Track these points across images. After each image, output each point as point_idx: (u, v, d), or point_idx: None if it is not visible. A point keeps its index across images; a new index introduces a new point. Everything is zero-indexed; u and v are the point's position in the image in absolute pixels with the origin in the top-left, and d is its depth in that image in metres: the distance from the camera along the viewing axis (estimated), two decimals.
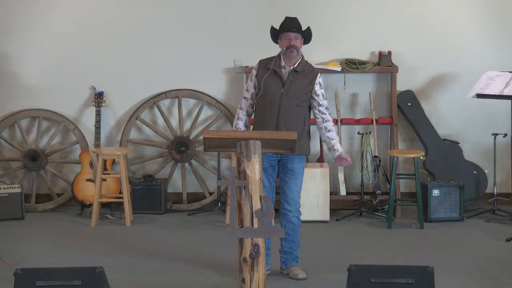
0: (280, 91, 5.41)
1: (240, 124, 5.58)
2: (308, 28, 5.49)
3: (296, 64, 5.45)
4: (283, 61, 5.46)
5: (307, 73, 5.48)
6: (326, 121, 5.51)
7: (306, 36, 5.49)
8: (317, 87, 5.48)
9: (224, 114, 7.80)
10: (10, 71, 7.84)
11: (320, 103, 5.49)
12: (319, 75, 5.52)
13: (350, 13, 7.76)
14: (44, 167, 7.80)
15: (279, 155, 5.45)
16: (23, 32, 7.78)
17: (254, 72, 5.56)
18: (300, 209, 5.61)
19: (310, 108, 5.55)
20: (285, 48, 5.42)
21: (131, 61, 7.81)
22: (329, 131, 5.52)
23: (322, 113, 5.50)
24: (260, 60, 5.57)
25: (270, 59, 5.51)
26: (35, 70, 7.83)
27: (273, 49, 5.60)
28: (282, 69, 5.45)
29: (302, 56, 5.51)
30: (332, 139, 5.51)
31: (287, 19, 5.49)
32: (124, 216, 7.20)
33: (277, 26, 5.51)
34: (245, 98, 5.60)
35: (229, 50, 7.74)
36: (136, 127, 7.90)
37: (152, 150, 7.93)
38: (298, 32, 5.42)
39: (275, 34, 5.50)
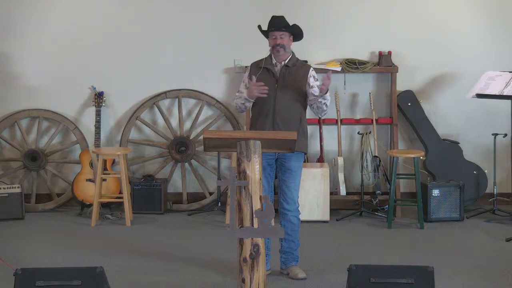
0: (274, 87, 5.45)
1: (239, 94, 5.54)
2: (294, 25, 5.53)
3: (287, 60, 5.52)
4: (273, 59, 5.54)
5: (299, 67, 5.55)
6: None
7: (295, 33, 5.54)
8: (311, 80, 5.52)
9: (224, 114, 7.80)
10: (10, 71, 7.84)
11: (316, 94, 5.49)
12: (311, 68, 5.57)
13: (350, 13, 7.76)
14: (44, 167, 7.81)
15: (276, 154, 5.46)
16: (23, 32, 7.78)
17: (246, 73, 5.64)
18: (300, 209, 5.61)
19: (306, 106, 5.56)
20: (272, 47, 5.50)
21: (131, 61, 7.81)
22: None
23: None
24: (252, 63, 5.66)
25: (261, 59, 5.60)
26: (35, 70, 7.83)
27: None
28: (274, 67, 5.52)
29: (293, 53, 5.57)
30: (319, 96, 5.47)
31: (273, 18, 5.55)
32: (124, 216, 7.20)
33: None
34: (238, 93, 5.62)
35: (229, 50, 7.75)
36: (136, 127, 7.90)
37: (152, 150, 7.93)
38: (284, 30, 5.47)
39: (266, 33, 5.57)
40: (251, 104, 5.55)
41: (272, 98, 5.45)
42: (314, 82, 5.53)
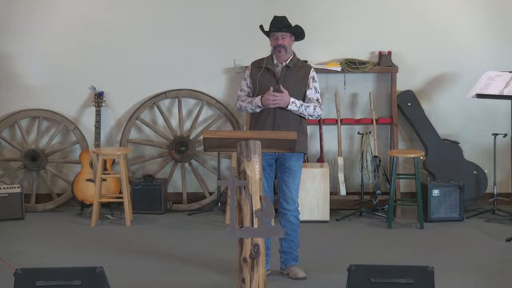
0: (274, 87, 5.44)
1: (249, 98, 5.54)
2: (296, 26, 5.54)
3: (288, 61, 5.52)
4: (275, 59, 5.54)
5: (300, 68, 5.55)
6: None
7: (297, 33, 5.55)
8: (310, 80, 5.53)
9: (224, 114, 7.80)
10: (10, 71, 7.84)
11: (309, 96, 5.51)
12: (312, 69, 5.58)
13: (350, 13, 7.76)
14: (44, 167, 7.80)
15: (276, 154, 5.46)
16: (23, 32, 7.78)
17: (247, 72, 5.65)
18: (300, 209, 5.62)
19: None
20: (273, 48, 5.51)
21: (131, 61, 7.81)
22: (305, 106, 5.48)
23: (309, 100, 5.52)
24: (252, 62, 5.67)
25: (263, 59, 5.60)
26: (35, 70, 7.83)
27: None
28: (275, 67, 5.52)
29: (294, 53, 5.57)
30: (302, 103, 5.45)
31: (275, 18, 5.56)
32: (124, 216, 7.20)
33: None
34: (241, 92, 5.63)
35: (229, 50, 7.75)
36: (136, 127, 7.90)
37: (152, 150, 7.93)
38: (285, 31, 5.47)
39: (268, 33, 5.58)
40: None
41: None
42: (312, 83, 5.54)
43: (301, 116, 5.50)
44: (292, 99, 5.40)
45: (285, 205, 5.51)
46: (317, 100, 5.52)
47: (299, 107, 5.43)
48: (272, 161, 5.49)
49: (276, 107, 5.41)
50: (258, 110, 5.49)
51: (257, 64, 5.60)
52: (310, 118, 5.53)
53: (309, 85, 5.53)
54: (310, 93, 5.52)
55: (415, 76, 7.77)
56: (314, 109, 5.48)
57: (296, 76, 5.50)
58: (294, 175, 5.50)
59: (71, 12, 7.80)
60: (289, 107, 5.40)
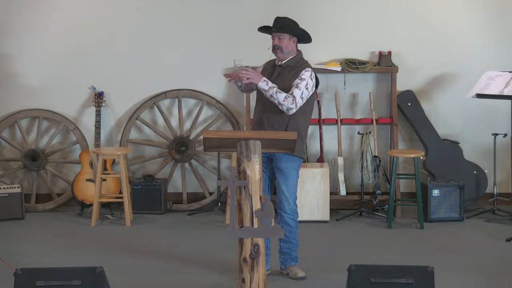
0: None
1: None
2: (293, 27, 5.48)
3: (284, 61, 5.49)
4: (277, 59, 5.55)
5: (293, 68, 5.47)
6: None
7: (297, 35, 5.49)
8: (297, 78, 5.39)
9: (224, 114, 7.80)
10: (10, 71, 7.84)
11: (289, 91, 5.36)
12: (306, 69, 5.43)
13: (350, 13, 7.76)
14: (44, 167, 7.80)
15: (269, 154, 5.42)
16: (23, 32, 7.79)
17: (259, 70, 5.67)
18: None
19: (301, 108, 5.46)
20: (272, 48, 5.52)
21: (131, 61, 7.81)
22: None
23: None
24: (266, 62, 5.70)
25: (273, 59, 5.62)
26: (35, 70, 7.83)
27: None
28: (274, 67, 5.54)
29: (299, 52, 5.54)
30: (275, 86, 5.34)
31: (275, 19, 5.53)
32: (124, 216, 7.21)
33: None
34: None
35: (229, 50, 7.75)
36: (136, 127, 7.90)
37: (152, 150, 7.93)
38: (282, 32, 5.44)
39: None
40: (242, 85, 5.51)
41: (262, 97, 5.44)
42: (296, 80, 5.38)
43: (289, 118, 5.39)
44: (264, 78, 5.34)
45: (281, 205, 5.49)
46: (292, 93, 5.32)
47: (270, 88, 5.30)
48: (265, 159, 5.43)
49: (267, 107, 5.38)
50: (238, 83, 5.48)
51: (265, 64, 5.64)
52: (281, 107, 5.30)
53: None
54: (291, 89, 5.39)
55: (415, 76, 7.77)
56: (286, 98, 5.28)
57: (288, 76, 5.45)
58: (285, 177, 5.45)
59: (71, 12, 7.80)
60: (259, 84, 5.31)
